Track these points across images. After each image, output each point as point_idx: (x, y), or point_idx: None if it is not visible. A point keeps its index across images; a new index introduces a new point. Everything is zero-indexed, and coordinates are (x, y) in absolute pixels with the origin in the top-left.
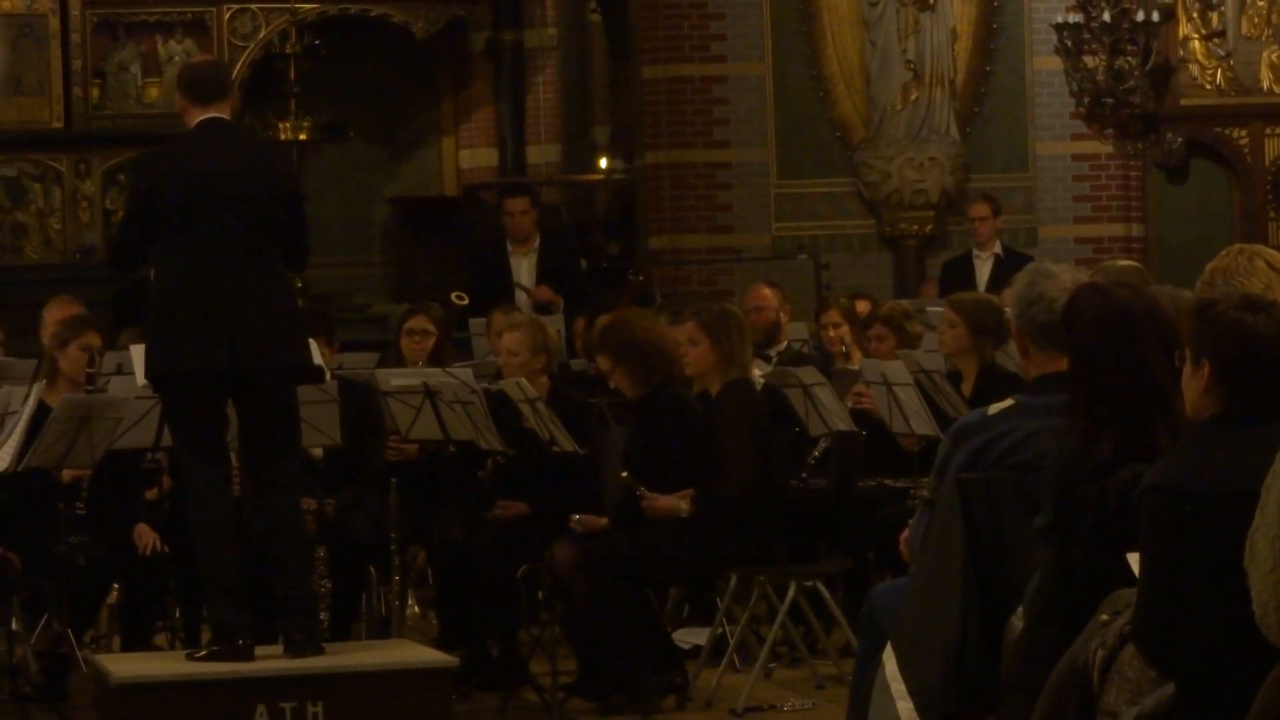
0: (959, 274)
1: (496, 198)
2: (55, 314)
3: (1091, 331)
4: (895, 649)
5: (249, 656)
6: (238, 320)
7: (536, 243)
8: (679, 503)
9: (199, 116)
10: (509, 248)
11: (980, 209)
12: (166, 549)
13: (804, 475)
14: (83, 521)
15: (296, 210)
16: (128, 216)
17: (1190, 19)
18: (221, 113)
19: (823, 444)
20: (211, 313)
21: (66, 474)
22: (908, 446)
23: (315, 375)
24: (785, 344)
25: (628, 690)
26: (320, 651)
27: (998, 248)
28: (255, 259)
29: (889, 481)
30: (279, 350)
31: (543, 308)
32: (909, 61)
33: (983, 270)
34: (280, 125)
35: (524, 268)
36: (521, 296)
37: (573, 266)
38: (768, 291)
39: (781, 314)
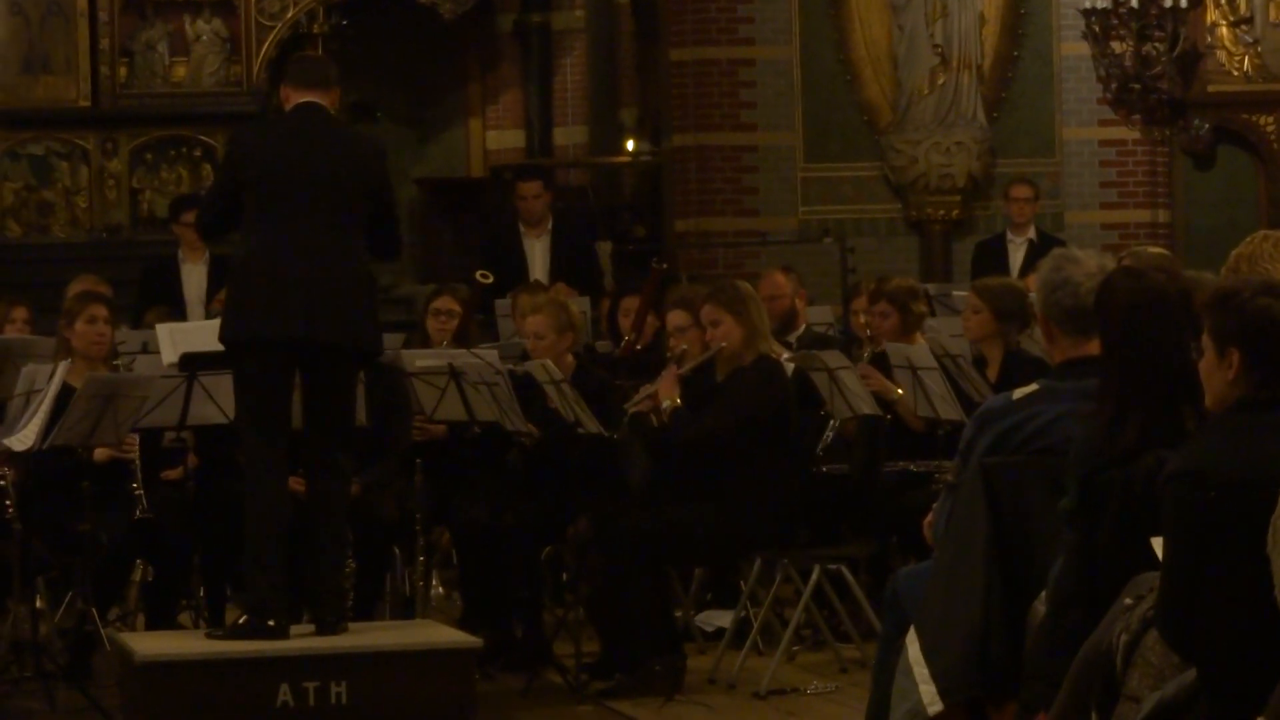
0: (991, 257)
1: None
2: (70, 292)
3: (1125, 315)
4: (918, 633)
5: (283, 636)
6: (314, 294)
7: (549, 225)
8: (673, 394)
9: (295, 100)
10: (522, 230)
11: (1023, 190)
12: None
13: (817, 460)
14: (103, 500)
15: (382, 203)
16: (214, 188)
17: (1218, 5)
18: (318, 99)
19: (829, 431)
20: (289, 284)
21: (99, 453)
22: (914, 426)
23: (374, 359)
24: (803, 328)
25: (634, 672)
26: (346, 630)
27: (1032, 232)
28: (334, 240)
29: (912, 466)
30: (350, 328)
31: None
32: (936, 46)
33: (1016, 254)
34: None
35: (537, 250)
36: (540, 273)
37: (587, 249)
38: (781, 278)
39: (797, 300)
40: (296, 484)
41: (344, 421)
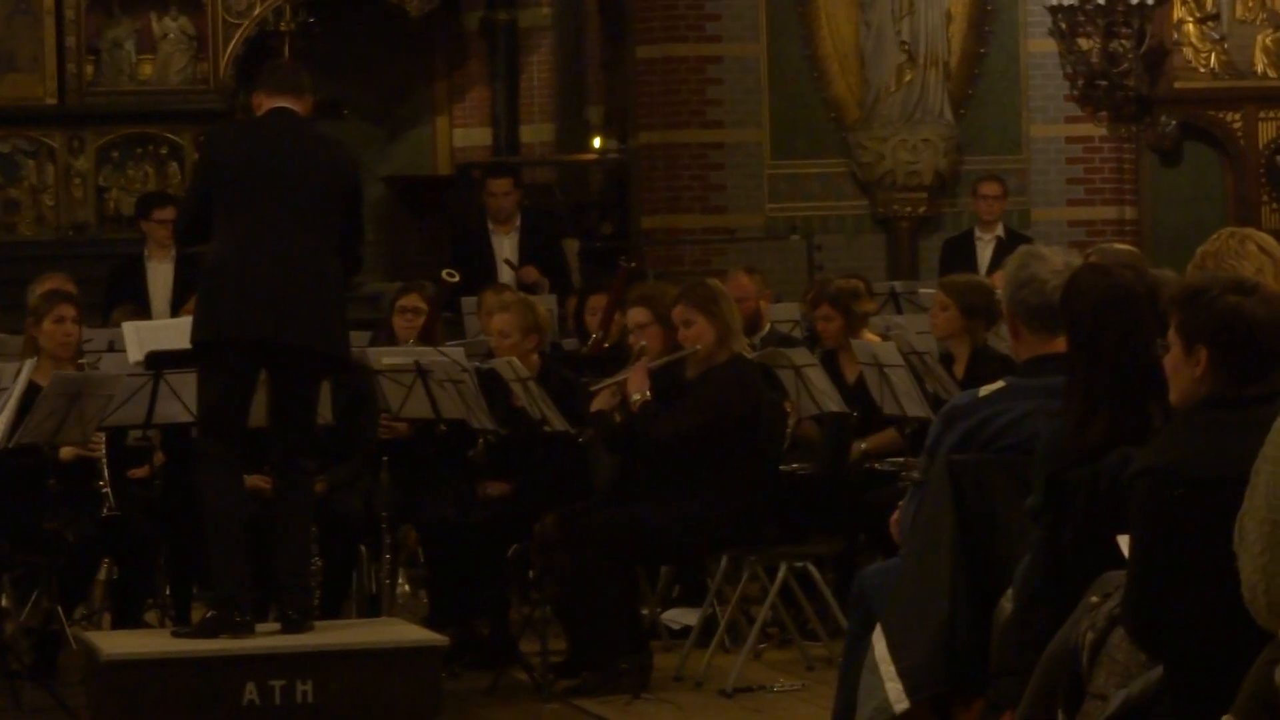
0: (959, 254)
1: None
2: (37, 291)
3: (1092, 312)
4: (885, 630)
5: (249, 632)
6: (285, 297)
7: (518, 222)
8: (643, 388)
9: (268, 105)
10: (490, 227)
11: (992, 187)
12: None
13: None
14: (69, 498)
15: (351, 208)
16: (188, 192)
17: (1184, 2)
18: (292, 105)
19: (790, 429)
20: (260, 286)
21: (66, 452)
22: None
23: (345, 367)
24: (767, 328)
25: (600, 670)
26: (311, 629)
27: (1000, 230)
28: (303, 243)
29: (878, 464)
30: (317, 333)
31: (529, 288)
32: (903, 43)
33: (984, 251)
34: None
35: (505, 247)
36: (508, 272)
37: (554, 247)
38: (746, 280)
39: (761, 301)
40: (264, 482)
41: (308, 422)
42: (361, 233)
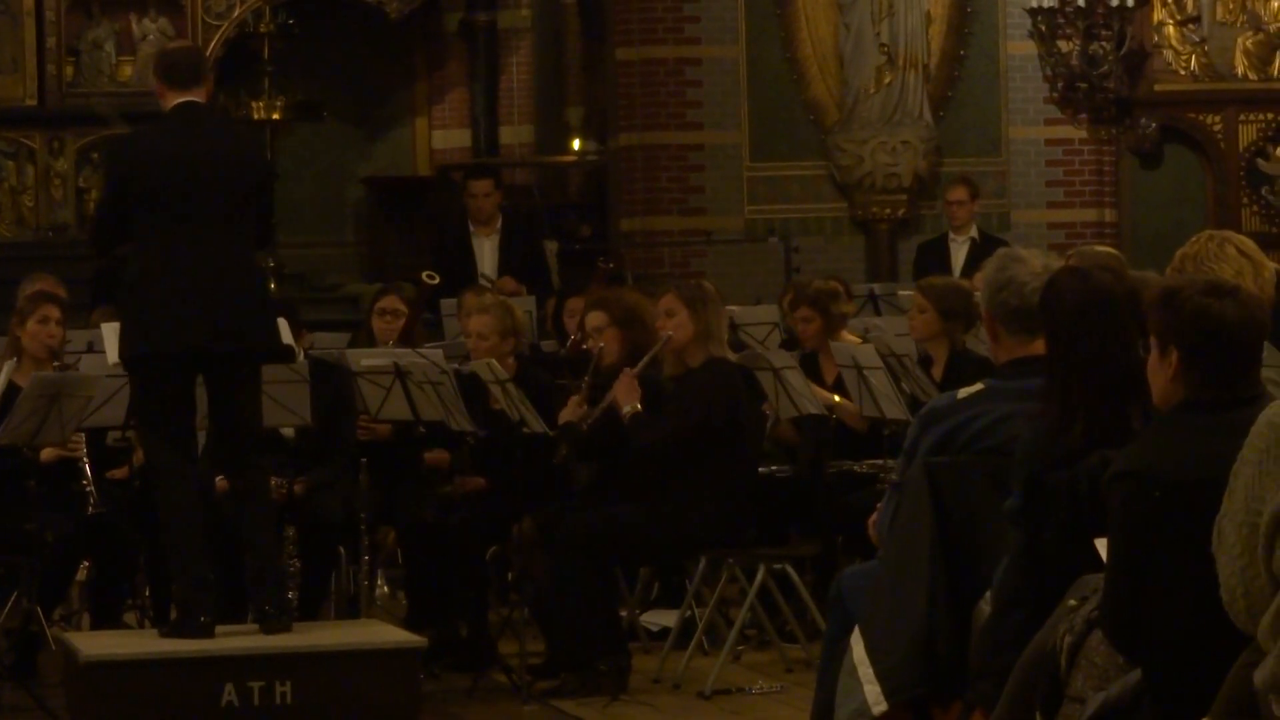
0: (933, 257)
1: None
2: (26, 291)
3: (1071, 315)
4: (863, 633)
5: (209, 634)
6: (212, 301)
7: (499, 224)
8: (633, 398)
9: (174, 100)
10: (471, 228)
11: (958, 192)
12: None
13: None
14: (48, 500)
15: (267, 194)
16: (103, 199)
17: (1165, 4)
18: (197, 97)
19: (767, 430)
20: (186, 293)
21: (47, 453)
22: (858, 428)
23: (286, 355)
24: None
25: (579, 672)
26: (289, 628)
27: (974, 231)
28: (228, 241)
29: (857, 466)
30: (252, 331)
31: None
32: (883, 45)
33: (958, 254)
34: (254, 104)
35: (486, 249)
36: (486, 286)
37: (535, 248)
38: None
39: None
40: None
41: (255, 421)
42: (272, 212)
